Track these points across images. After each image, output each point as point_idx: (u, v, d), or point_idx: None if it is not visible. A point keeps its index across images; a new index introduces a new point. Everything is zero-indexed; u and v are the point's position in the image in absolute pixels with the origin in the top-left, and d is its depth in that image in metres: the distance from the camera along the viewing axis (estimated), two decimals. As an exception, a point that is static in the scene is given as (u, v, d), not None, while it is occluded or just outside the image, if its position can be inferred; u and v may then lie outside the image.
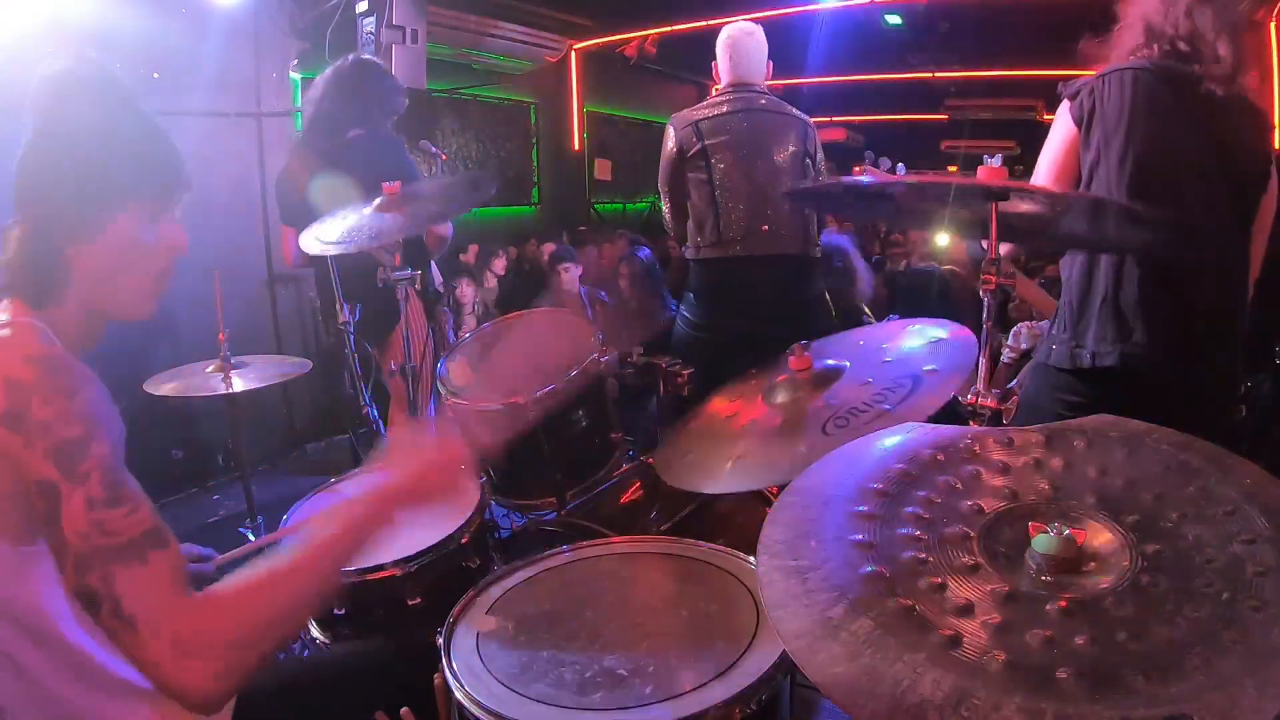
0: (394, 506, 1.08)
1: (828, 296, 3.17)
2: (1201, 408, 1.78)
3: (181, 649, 0.88)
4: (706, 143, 2.86)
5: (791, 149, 2.87)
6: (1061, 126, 1.85)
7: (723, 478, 1.39)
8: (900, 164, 1.97)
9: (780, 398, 1.53)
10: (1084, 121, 1.80)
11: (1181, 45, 1.75)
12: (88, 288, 1.07)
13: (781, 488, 1.01)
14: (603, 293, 4.90)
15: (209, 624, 0.90)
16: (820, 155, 2.97)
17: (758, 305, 2.88)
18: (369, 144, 2.91)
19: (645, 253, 4.74)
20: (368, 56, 3.17)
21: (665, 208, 3.08)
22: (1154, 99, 1.74)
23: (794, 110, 2.94)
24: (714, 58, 3.01)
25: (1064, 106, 1.85)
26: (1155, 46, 1.79)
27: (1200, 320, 1.75)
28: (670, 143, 2.94)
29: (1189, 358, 1.76)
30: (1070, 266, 1.87)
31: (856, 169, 2.04)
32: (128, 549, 0.89)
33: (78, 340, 1.07)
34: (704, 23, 6.16)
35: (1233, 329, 1.79)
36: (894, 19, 6.56)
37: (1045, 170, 1.86)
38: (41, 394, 0.91)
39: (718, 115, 2.89)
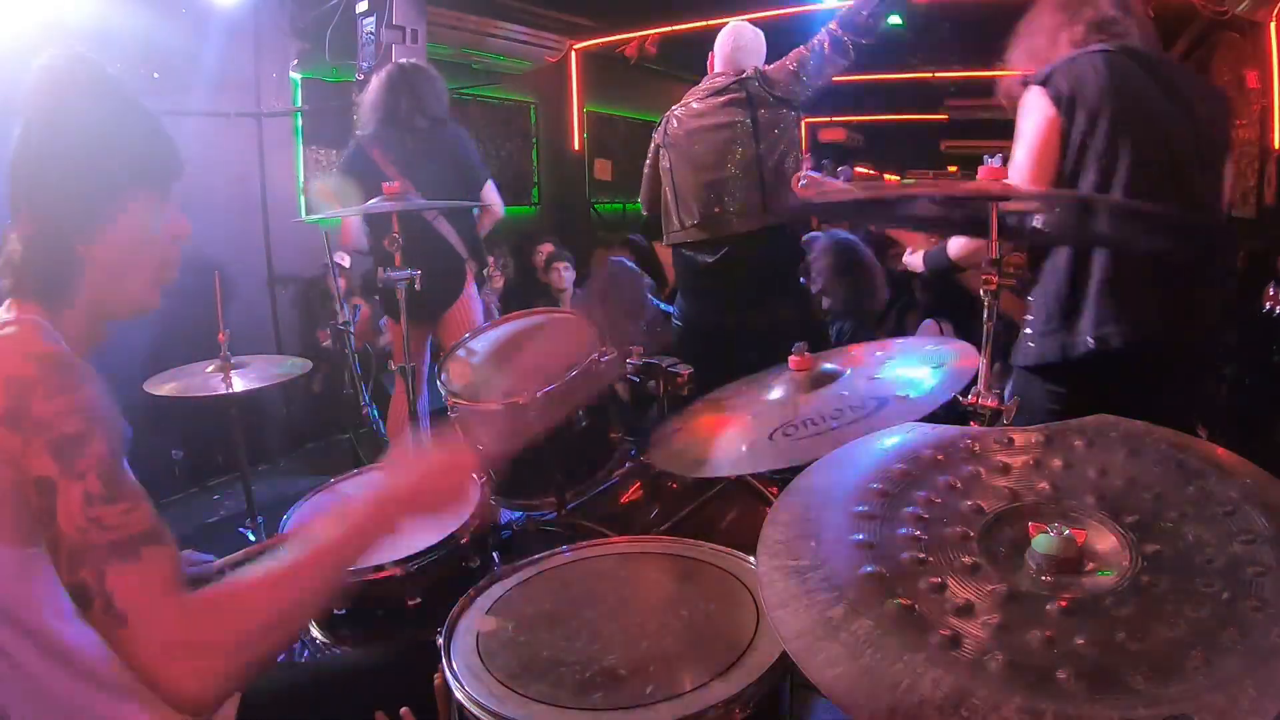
0: (397, 512, 1.07)
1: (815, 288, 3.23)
2: (1190, 386, 1.78)
3: (172, 650, 0.87)
4: (673, 132, 2.98)
5: (734, 122, 2.88)
6: (1037, 113, 1.77)
7: (681, 463, 1.49)
8: (842, 168, 2.06)
9: (774, 394, 1.55)
10: (1063, 103, 1.73)
11: (1118, 27, 1.77)
12: (98, 285, 1.06)
13: (781, 486, 1.01)
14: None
15: (202, 624, 0.89)
16: (785, 91, 2.89)
17: (726, 291, 2.97)
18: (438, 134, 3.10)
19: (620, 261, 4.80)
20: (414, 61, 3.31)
21: (641, 196, 3.23)
22: (1130, 78, 1.72)
23: (741, 76, 2.92)
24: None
25: (1035, 93, 1.78)
26: (1100, 33, 1.77)
27: (1200, 295, 1.74)
28: (654, 136, 3.11)
29: (1191, 333, 1.74)
30: (1054, 255, 1.80)
31: (797, 176, 2.10)
32: (122, 546, 0.89)
33: (82, 342, 1.07)
34: (704, 23, 6.15)
35: (1223, 301, 1.79)
36: (894, 19, 6.56)
37: (1026, 162, 1.77)
38: (42, 390, 0.91)
39: (679, 110, 3.01)
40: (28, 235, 1.04)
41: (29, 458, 0.90)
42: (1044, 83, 1.77)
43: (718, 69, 2.99)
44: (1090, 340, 1.71)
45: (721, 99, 2.89)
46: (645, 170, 3.18)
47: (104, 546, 0.88)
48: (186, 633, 0.88)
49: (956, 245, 1.99)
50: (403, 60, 3.27)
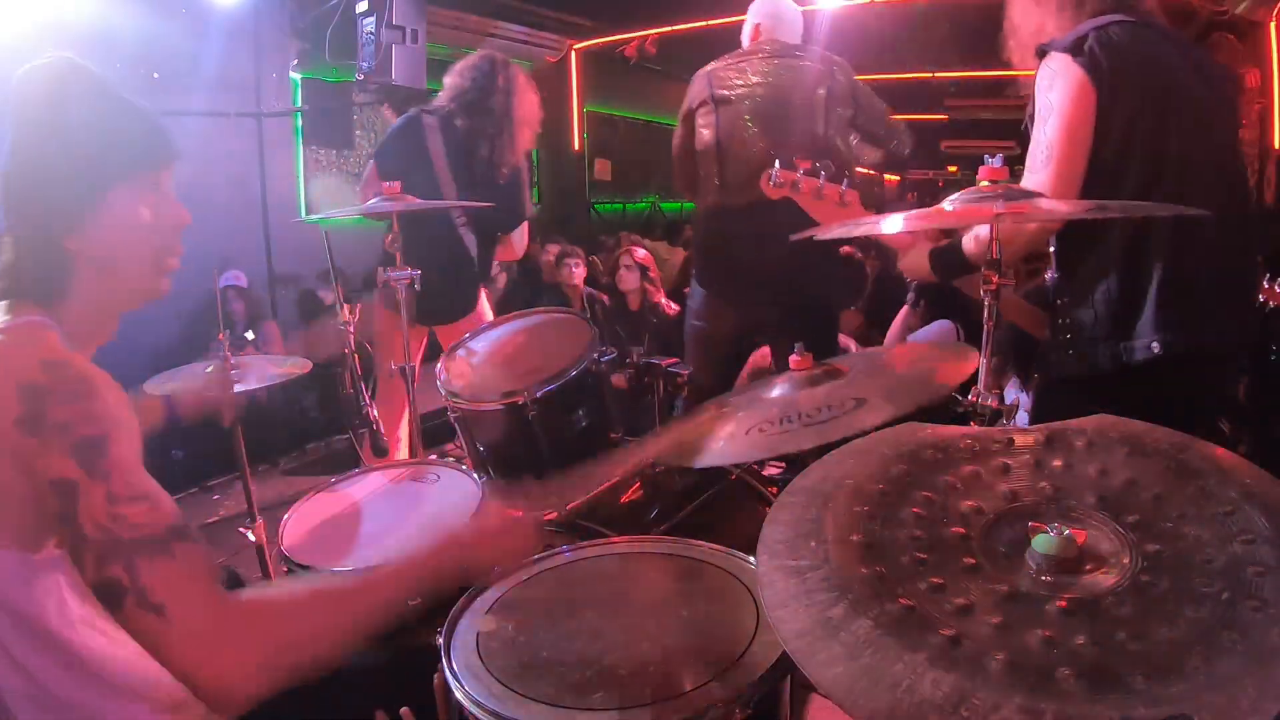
0: (457, 559, 1.09)
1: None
2: (1224, 386, 1.68)
3: (212, 639, 0.88)
4: (716, 91, 2.79)
5: (815, 93, 2.73)
6: (1069, 84, 1.53)
7: (670, 454, 1.50)
8: (822, 163, 1.78)
9: (774, 392, 1.56)
10: (1101, 77, 1.52)
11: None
12: (92, 277, 1.06)
13: (781, 486, 1.01)
14: (604, 296, 4.91)
15: (242, 622, 0.90)
16: (860, 99, 2.79)
17: (758, 272, 2.76)
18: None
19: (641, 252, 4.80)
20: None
21: (676, 172, 3.04)
22: (1165, 55, 1.56)
23: (822, 54, 2.80)
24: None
25: (1062, 62, 1.56)
26: (1118, 5, 1.60)
27: (1247, 292, 1.61)
28: (686, 97, 2.91)
29: (1242, 333, 1.60)
30: (1097, 254, 1.61)
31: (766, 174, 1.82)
32: (152, 542, 0.89)
33: (89, 337, 1.07)
34: (704, 23, 6.16)
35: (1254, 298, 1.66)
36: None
37: (1059, 141, 1.54)
38: (59, 397, 0.91)
39: (733, 62, 2.83)
40: (17, 235, 1.05)
41: (46, 460, 0.90)
42: (1074, 50, 1.55)
43: (767, 35, 2.84)
44: (1156, 345, 1.52)
45: (792, 61, 2.75)
46: (677, 141, 2.95)
47: (132, 542, 0.89)
48: (227, 625, 0.89)
49: (974, 241, 1.68)
50: (509, 58, 3.04)
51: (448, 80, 2.99)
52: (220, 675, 0.88)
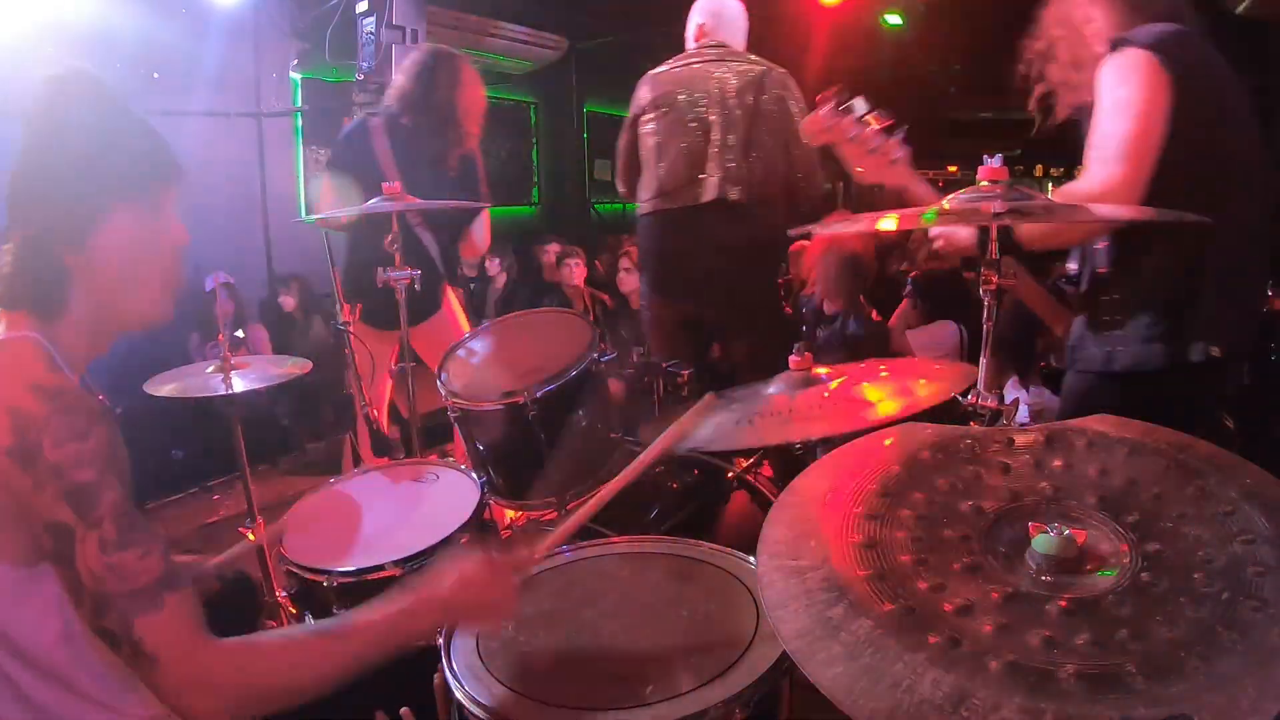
0: (435, 615, 1.09)
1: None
2: (1233, 384, 1.74)
3: (194, 688, 0.93)
4: (658, 95, 2.80)
5: (751, 97, 2.73)
6: (1149, 83, 1.49)
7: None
8: (864, 109, 1.66)
9: (771, 390, 1.57)
10: (1181, 77, 1.49)
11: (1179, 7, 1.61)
12: (92, 294, 1.04)
13: (780, 486, 1.02)
14: (606, 296, 4.91)
15: (223, 669, 0.94)
16: (796, 106, 2.77)
17: (696, 267, 2.75)
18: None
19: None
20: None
21: (620, 173, 3.01)
22: (1219, 58, 1.56)
23: (763, 61, 2.80)
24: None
25: (1143, 59, 1.51)
26: (1169, 12, 1.59)
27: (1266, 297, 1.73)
28: (632, 102, 2.90)
29: (1255, 335, 1.71)
30: (1157, 257, 1.59)
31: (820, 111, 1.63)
32: (143, 595, 0.91)
33: (83, 352, 1.05)
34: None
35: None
36: (894, 19, 6.58)
37: (1133, 136, 1.50)
38: (53, 435, 0.90)
39: (673, 67, 2.83)
40: (18, 244, 1.03)
41: (40, 500, 0.90)
42: (1155, 47, 1.50)
43: (715, 39, 2.83)
44: (1215, 349, 1.53)
45: (733, 65, 2.74)
46: (622, 145, 2.95)
47: (125, 595, 0.91)
48: (209, 674, 0.93)
49: (1028, 225, 1.59)
50: (455, 50, 2.96)
51: (394, 79, 2.95)
52: (200, 713, 0.94)
